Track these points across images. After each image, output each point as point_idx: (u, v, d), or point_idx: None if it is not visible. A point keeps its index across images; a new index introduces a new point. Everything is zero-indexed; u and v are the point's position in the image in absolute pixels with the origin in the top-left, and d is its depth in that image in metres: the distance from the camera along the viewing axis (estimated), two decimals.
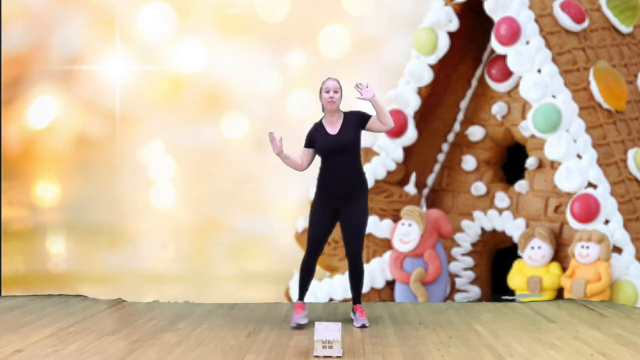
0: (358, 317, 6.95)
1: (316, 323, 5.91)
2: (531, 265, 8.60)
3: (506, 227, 8.96)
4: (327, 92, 6.83)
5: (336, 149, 6.80)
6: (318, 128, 6.90)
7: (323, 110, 6.92)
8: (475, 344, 6.18)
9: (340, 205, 6.85)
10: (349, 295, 8.83)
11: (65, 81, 9.81)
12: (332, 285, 9.07)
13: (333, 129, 6.85)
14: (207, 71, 9.81)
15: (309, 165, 6.94)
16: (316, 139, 6.87)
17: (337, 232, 7.22)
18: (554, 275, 8.51)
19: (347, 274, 8.90)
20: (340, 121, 6.86)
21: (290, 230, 9.23)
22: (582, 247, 8.22)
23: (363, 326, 6.87)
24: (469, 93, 9.38)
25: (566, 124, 8.50)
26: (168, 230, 9.87)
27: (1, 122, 9.69)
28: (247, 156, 9.74)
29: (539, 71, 8.60)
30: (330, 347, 5.77)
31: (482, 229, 9.13)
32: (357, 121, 6.86)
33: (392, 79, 9.26)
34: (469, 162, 9.28)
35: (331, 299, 9.00)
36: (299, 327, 6.79)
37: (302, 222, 9.07)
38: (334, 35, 9.81)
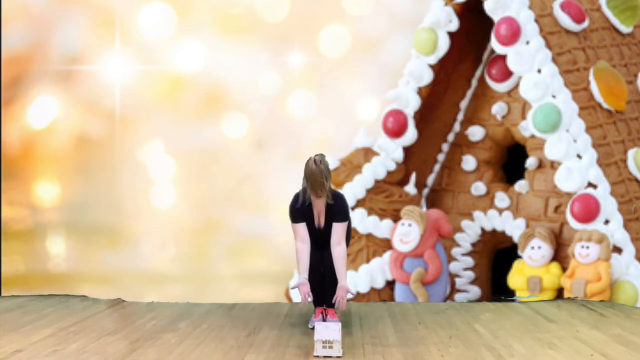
0: (329, 318, 6.61)
1: (316, 323, 5.91)
2: (531, 265, 8.59)
3: (506, 227, 8.96)
4: None
5: (321, 239, 6.62)
6: (305, 210, 6.56)
7: (305, 190, 6.48)
8: (475, 344, 6.18)
9: None
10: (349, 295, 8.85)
11: (65, 81, 9.81)
12: None
13: (319, 218, 6.59)
14: (207, 71, 9.81)
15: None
16: (302, 219, 6.61)
17: None
18: (554, 275, 8.51)
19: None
20: (324, 208, 6.56)
21: (290, 230, 9.20)
22: (582, 247, 8.22)
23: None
24: (469, 93, 9.38)
25: (566, 124, 8.49)
26: (168, 230, 9.87)
27: (1, 122, 9.69)
28: (247, 156, 9.74)
29: (539, 71, 8.60)
30: (330, 347, 5.76)
31: (482, 229, 9.12)
32: (333, 217, 6.54)
33: (392, 79, 9.25)
34: (469, 162, 9.27)
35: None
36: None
37: None
38: (334, 35, 9.81)
